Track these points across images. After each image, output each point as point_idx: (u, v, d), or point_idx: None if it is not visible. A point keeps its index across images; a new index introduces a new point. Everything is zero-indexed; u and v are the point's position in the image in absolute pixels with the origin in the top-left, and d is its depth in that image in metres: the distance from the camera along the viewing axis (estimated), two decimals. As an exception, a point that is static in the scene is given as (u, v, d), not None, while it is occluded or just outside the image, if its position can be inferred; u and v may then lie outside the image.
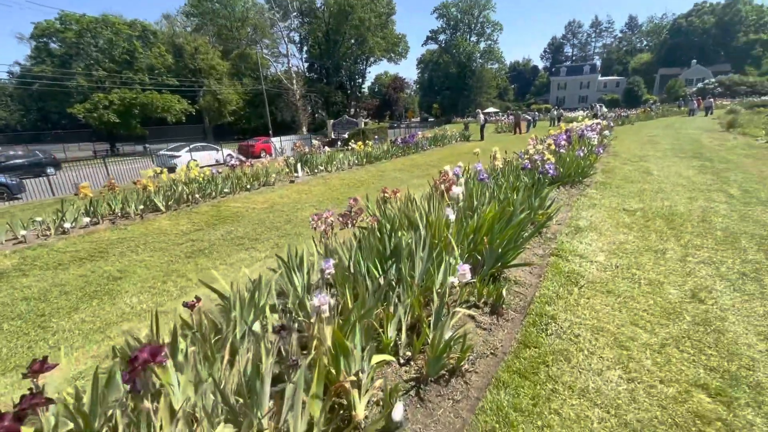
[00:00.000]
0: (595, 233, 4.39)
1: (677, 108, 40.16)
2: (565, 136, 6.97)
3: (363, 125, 30.84)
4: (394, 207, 3.75)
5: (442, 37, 76.06)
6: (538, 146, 5.41)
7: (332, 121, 31.92)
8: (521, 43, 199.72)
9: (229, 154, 24.76)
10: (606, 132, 11.57)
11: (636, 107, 49.53)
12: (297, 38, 64.93)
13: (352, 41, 65.79)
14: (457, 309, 2.43)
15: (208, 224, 6.80)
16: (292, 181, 10.06)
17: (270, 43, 60.72)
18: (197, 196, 8.16)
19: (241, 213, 7.49)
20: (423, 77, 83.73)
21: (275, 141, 24.97)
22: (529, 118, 28.62)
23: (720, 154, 11.04)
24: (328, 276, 2.33)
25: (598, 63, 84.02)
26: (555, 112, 31.30)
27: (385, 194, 3.94)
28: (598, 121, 15.47)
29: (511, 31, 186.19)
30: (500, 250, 2.91)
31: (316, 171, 11.28)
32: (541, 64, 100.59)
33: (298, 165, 10.85)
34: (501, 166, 5.78)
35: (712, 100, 31.80)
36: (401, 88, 70.85)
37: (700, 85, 57.39)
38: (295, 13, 60.14)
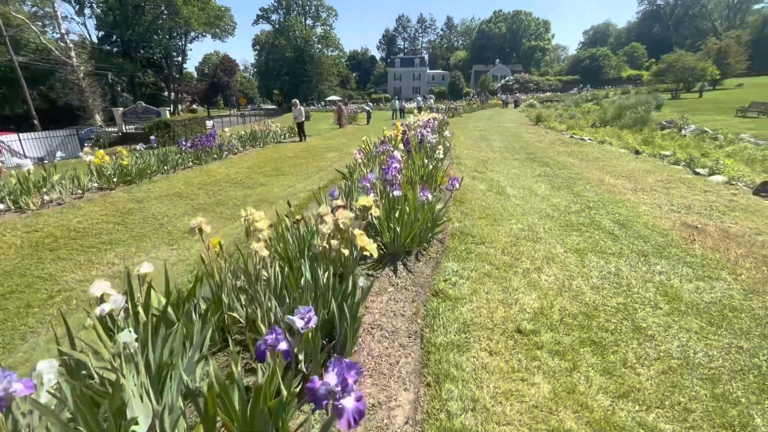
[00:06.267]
0: None
1: (492, 100, 45.65)
2: (398, 161, 4.11)
3: (169, 115, 23.64)
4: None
5: (274, 17, 69.68)
6: (345, 215, 2.25)
7: (121, 109, 23.51)
8: (358, 32, 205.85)
9: None
10: (447, 133, 9.75)
11: (460, 98, 54.91)
12: (73, -4, 48.50)
13: (162, 8, 53.12)
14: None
15: None
16: None
17: (35, 1, 43.49)
18: None
19: None
20: (260, 60, 75.59)
21: (7, 140, 16.01)
22: (368, 109, 26.71)
23: (548, 154, 10.59)
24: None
25: (426, 57, 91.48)
26: (397, 104, 30.23)
27: None
28: (434, 115, 14.12)
29: (348, 19, 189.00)
30: None
31: (-16, 216, 5.84)
32: (378, 55, 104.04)
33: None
34: (265, 253, 2.42)
35: (518, 95, 36.62)
36: (232, 70, 61.67)
37: (503, 81, 67.95)
38: (60, -40, 44.16)
